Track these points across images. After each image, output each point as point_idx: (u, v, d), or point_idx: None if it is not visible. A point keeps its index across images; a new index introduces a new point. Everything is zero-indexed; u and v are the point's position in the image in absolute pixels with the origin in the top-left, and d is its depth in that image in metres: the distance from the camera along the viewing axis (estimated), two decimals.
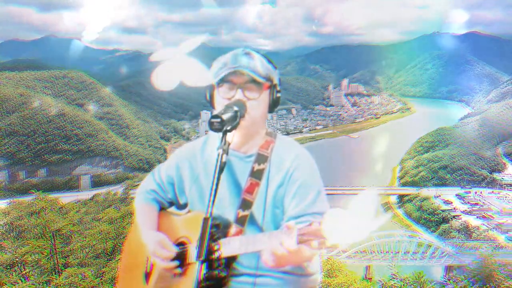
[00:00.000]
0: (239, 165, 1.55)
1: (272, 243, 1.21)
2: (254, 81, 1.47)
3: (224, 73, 1.46)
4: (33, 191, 4.54)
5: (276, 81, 1.56)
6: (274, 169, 1.52)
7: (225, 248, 1.35)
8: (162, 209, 1.74)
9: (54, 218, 3.60)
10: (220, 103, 1.50)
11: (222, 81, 1.49)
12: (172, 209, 1.75)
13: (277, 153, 1.55)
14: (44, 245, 3.21)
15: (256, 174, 1.52)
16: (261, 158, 1.54)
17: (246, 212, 1.49)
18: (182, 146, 1.72)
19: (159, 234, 1.55)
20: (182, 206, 1.70)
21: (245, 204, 1.50)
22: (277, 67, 1.58)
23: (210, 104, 1.56)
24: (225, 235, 1.45)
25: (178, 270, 1.48)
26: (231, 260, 1.45)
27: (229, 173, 1.55)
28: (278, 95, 1.56)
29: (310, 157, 1.57)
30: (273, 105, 1.56)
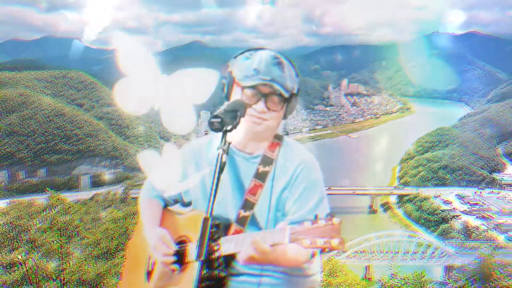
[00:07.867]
0: (244, 165, 1.55)
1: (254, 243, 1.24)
2: (279, 94, 1.46)
3: (256, 83, 1.44)
4: (48, 189, 4.67)
5: (296, 90, 1.53)
6: (279, 172, 1.52)
7: (223, 246, 1.37)
8: (166, 205, 1.75)
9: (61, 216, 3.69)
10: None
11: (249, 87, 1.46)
12: (177, 206, 1.75)
13: (283, 156, 1.55)
14: (53, 239, 3.28)
15: (260, 176, 1.51)
16: (267, 160, 1.53)
17: (248, 213, 1.49)
18: (187, 144, 1.71)
19: (161, 230, 1.56)
20: (187, 204, 1.71)
21: (247, 205, 1.50)
22: (299, 74, 1.56)
23: (226, 97, 1.52)
24: (225, 234, 1.45)
25: (176, 267, 1.49)
26: (230, 259, 1.44)
27: (233, 173, 1.55)
28: (295, 103, 1.54)
29: (315, 163, 1.57)
30: (288, 113, 1.54)
